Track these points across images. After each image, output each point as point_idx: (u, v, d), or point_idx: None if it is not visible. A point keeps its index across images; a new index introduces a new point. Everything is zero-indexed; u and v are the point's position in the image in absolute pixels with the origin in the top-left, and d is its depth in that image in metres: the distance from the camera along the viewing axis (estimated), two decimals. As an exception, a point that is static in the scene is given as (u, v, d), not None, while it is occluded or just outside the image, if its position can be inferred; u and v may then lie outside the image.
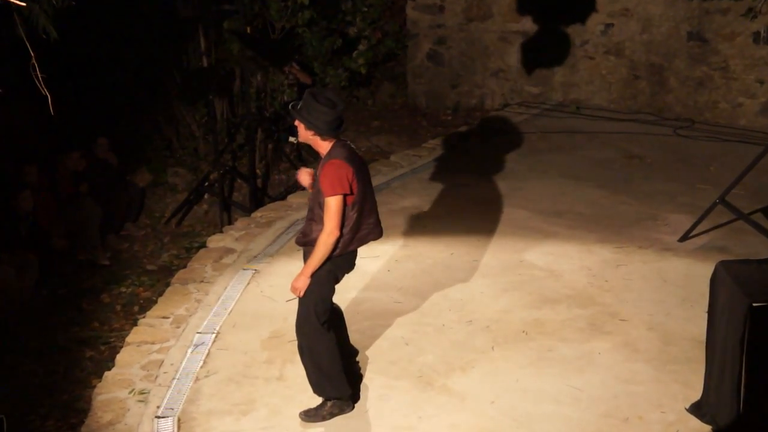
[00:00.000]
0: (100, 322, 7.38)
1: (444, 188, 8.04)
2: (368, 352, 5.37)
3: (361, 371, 5.20)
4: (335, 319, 4.90)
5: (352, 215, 4.55)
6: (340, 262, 4.64)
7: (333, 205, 4.46)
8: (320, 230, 4.53)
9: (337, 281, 4.71)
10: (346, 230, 4.55)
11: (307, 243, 4.64)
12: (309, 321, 4.63)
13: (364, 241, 4.68)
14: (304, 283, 4.58)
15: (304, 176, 4.77)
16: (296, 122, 4.60)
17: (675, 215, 7.35)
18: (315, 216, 4.59)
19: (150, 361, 5.40)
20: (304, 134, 4.58)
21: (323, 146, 4.57)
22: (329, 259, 4.56)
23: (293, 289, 4.62)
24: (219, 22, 9.44)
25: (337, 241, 4.52)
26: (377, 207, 4.78)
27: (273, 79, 9.77)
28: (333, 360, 4.68)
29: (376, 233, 4.73)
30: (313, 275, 4.59)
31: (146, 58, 9.68)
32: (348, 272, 4.76)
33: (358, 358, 5.24)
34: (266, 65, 9.40)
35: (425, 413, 4.85)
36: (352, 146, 4.66)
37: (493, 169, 8.51)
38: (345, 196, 4.48)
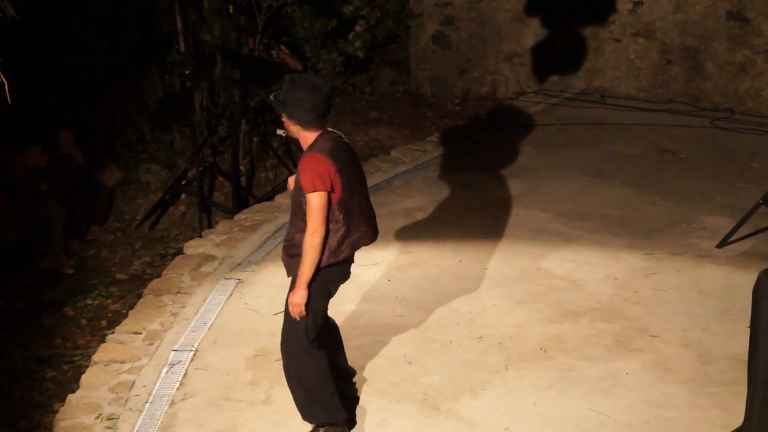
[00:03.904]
0: (63, 338, 7.37)
1: (451, 187, 8.05)
2: (366, 372, 5.36)
3: (359, 393, 5.20)
4: (330, 335, 4.90)
5: (339, 217, 4.53)
6: (331, 273, 4.61)
7: (314, 202, 4.45)
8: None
9: (330, 295, 4.69)
10: (332, 236, 4.53)
11: (295, 255, 4.59)
12: (296, 339, 4.62)
13: (355, 247, 4.66)
14: (302, 296, 4.54)
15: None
16: (282, 115, 4.60)
17: (712, 218, 7.36)
18: (298, 218, 4.58)
19: (119, 382, 5.40)
20: (289, 127, 4.58)
21: (308, 138, 4.56)
22: (319, 267, 4.55)
23: (292, 307, 4.56)
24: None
25: (324, 243, 4.49)
26: (373, 208, 4.76)
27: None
28: (323, 382, 4.68)
29: (369, 237, 4.70)
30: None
31: (117, 41, 9.68)
32: (341, 283, 4.75)
33: (355, 379, 5.24)
34: (247, 84, 9.41)
35: (430, 441, 4.85)
36: (343, 138, 4.63)
37: (506, 166, 8.52)
38: (328, 193, 4.46)
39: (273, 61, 9.60)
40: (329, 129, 4.61)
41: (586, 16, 10.34)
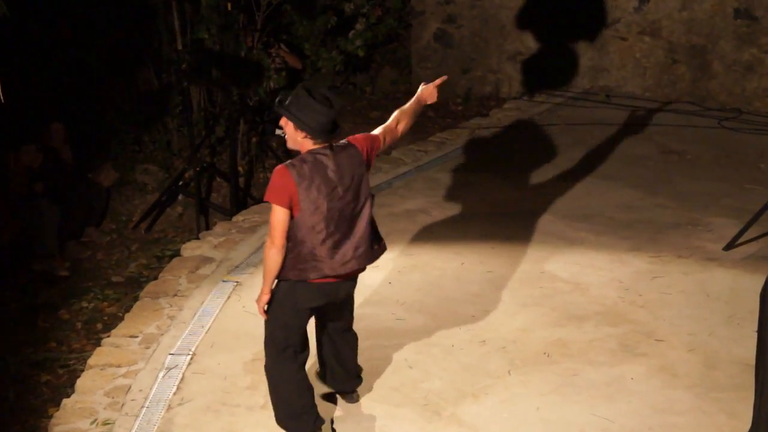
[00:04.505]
0: (58, 341, 7.37)
1: (453, 188, 8.05)
2: (367, 377, 5.35)
3: (359, 398, 5.20)
4: (335, 347, 4.95)
5: (297, 237, 4.49)
6: (301, 290, 4.58)
7: (272, 213, 4.48)
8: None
9: (301, 312, 4.64)
10: (288, 254, 4.52)
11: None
12: (269, 344, 4.71)
13: (329, 273, 4.56)
14: (262, 299, 4.63)
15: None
16: (283, 121, 4.55)
17: (719, 220, 7.36)
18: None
19: (115, 386, 5.40)
20: (294, 136, 4.53)
21: (304, 148, 4.54)
22: (286, 278, 4.56)
23: (258, 308, 4.67)
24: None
25: (283, 257, 4.50)
26: (365, 230, 4.64)
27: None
28: (293, 393, 4.72)
29: (331, 268, 4.57)
30: (274, 295, 4.62)
31: (112, 38, 9.68)
32: (320, 303, 4.67)
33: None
34: (226, 86, 9.42)
35: (432, 447, 4.86)
36: (340, 155, 4.53)
37: (509, 167, 8.52)
38: (285, 209, 4.45)
39: (255, 62, 9.59)
40: (330, 144, 4.55)
41: (591, 13, 10.34)
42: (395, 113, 4.97)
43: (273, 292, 4.64)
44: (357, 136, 4.72)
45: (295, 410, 4.73)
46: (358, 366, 5.14)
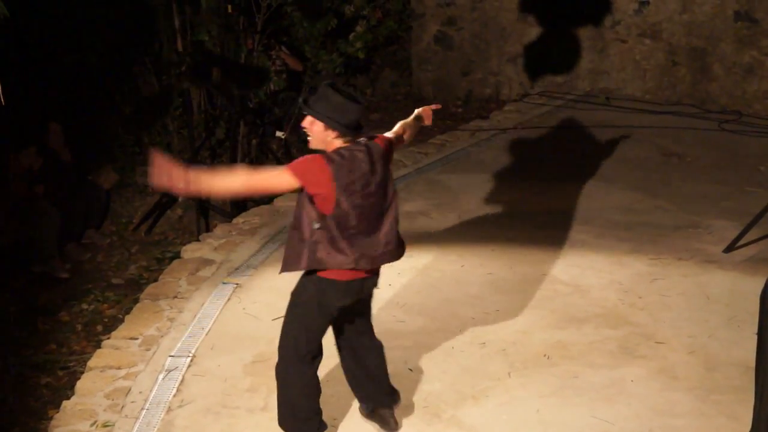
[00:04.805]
0: (58, 343, 7.37)
1: (453, 190, 8.06)
2: (366, 379, 5.36)
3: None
4: (358, 360, 4.84)
5: (333, 231, 4.38)
6: (329, 289, 4.50)
7: (277, 171, 4.36)
8: (295, 236, 4.45)
9: (329, 313, 4.57)
10: (323, 248, 4.41)
11: (289, 251, 4.51)
12: (288, 347, 4.63)
13: (361, 267, 4.49)
14: (179, 183, 4.25)
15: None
16: (307, 123, 4.43)
17: (719, 222, 7.36)
18: (294, 224, 4.50)
19: (115, 388, 5.40)
20: (322, 136, 4.41)
21: (333, 146, 4.43)
22: (312, 275, 4.48)
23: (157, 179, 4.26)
24: (196, -1, 9.49)
25: (229, 191, 4.34)
26: (392, 226, 4.61)
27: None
28: (304, 399, 4.67)
29: (385, 258, 4.56)
30: (299, 296, 4.54)
31: (113, 41, 9.69)
32: (345, 303, 4.59)
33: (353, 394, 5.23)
34: (228, 90, 9.43)
35: (432, 449, 4.86)
36: (371, 150, 4.46)
37: (509, 169, 8.52)
38: (293, 183, 4.32)
39: (256, 66, 9.60)
40: (360, 140, 4.48)
41: (591, 16, 10.35)
42: (398, 124, 4.94)
43: (298, 292, 4.55)
44: (377, 135, 4.68)
45: (302, 414, 4.69)
46: (390, 384, 4.94)
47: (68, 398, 5.41)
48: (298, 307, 4.57)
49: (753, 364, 4.72)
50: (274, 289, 6.33)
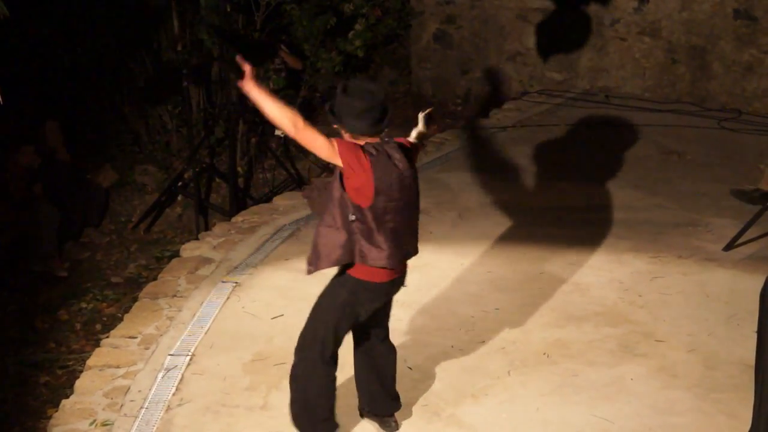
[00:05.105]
0: (57, 342, 7.38)
1: (453, 189, 8.05)
2: (366, 378, 5.36)
3: (357, 401, 5.19)
4: (371, 360, 4.82)
5: (370, 223, 4.35)
6: (363, 292, 4.46)
7: (328, 140, 4.26)
8: (330, 232, 4.40)
9: (356, 316, 4.54)
10: (358, 244, 4.37)
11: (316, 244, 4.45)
12: (314, 349, 4.56)
13: (393, 265, 4.43)
14: (247, 86, 4.27)
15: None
16: (335, 126, 4.44)
17: (719, 220, 7.36)
18: (327, 213, 4.42)
19: (114, 387, 5.40)
20: (350, 139, 4.39)
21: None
22: (347, 273, 4.45)
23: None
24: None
25: (288, 125, 4.22)
26: (416, 225, 4.60)
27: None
28: (322, 399, 4.65)
29: (410, 255, 4.56)
30: (330, 297, 4.51)
31: (111, 40, 9.69)
32: (380, 304, 4.57)
33: (353, 386, 5.24)
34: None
35: (431, 448, 4.86)
36: (401, 153, 4.40)
37: (509, 167, 8.52)
38: (338, 159, 4.27)
39: (268, 42, 9.59)
40: (386, 138, 4.44)
41: (590, 14, 10.35)
42: (414, 132, 4.85)
43: (329, 294, 4.51)
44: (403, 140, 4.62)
45: (322, 414, 4.65)
46: (395, 390, 4.95)
47: (67, 397, 5.41)
48: (328, 309, 4.52)
49: (753, 362, 4.73)
50: (273, 288, 6.33)
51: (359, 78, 4.58)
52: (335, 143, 4.31)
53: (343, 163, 4.32)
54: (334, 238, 4.40)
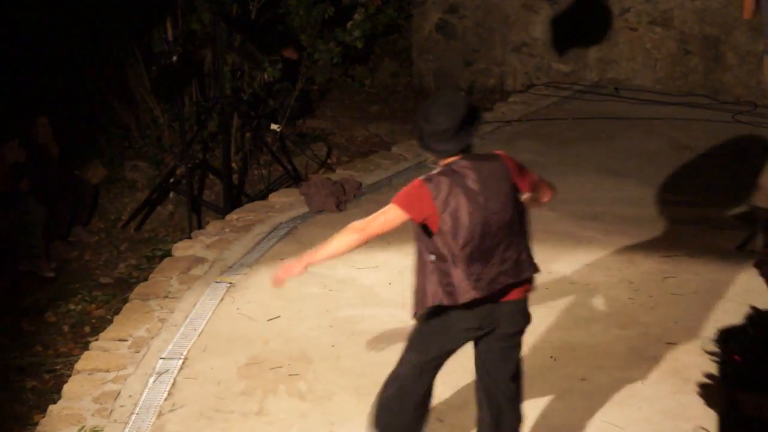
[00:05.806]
0: (44, 345, 7.38)
1: (456, 185, 8.05)
2: (366, 381, 5.36)
3: (358, 406, 5.19)
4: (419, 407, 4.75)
5: (445, 252, 4.33)
6: (451, 311, 4.43)
7: (387, 208, 4.34)
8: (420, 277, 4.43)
9: (455, 331, 4.53)
10: (437, 273, 4.36)
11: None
12: (412, 357, 4.63)
13: (479, 292, 4.37)
14: (293, 267, 4.38)
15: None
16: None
17: (732, 218, 7.36)
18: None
19: (104, 392, 5.41)
20: (437, 161, 4.43)
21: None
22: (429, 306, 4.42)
23: (278, 277, 4.41)
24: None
25: (352, 245, 4.32)
26: (512, 245, 4.49)
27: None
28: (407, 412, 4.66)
29: (504, 278, 4.45)
30: (421, 324, 4.53)
31: (101, 29, 9.69)
32: (474, 326, 4.51)
33: (353, 387, 5.24)
34: (251, 54, 9.44)
35: (434, 455, 4.86)
36: (482, 164, 4.35)
37: (515, 163, 8.51)
38: (405, 215, 4.32)
39: (275, 28, 9.60)
40: (469, 155, 4.36)
41: (599, 2, 10.34)
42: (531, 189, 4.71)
43: (419, 324, 4.54)
44: (506, 155, 4.53)
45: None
46: None
47: (55, 402, 5.42)
48: (424, 334, 4.56)
49: None
50: (268, 289, 6.30)
51: (433, 96, 4.51)
52: (392, 204, 4.34)
53: (408, 212, 4.33)
54: (421, 282, 4.47)
